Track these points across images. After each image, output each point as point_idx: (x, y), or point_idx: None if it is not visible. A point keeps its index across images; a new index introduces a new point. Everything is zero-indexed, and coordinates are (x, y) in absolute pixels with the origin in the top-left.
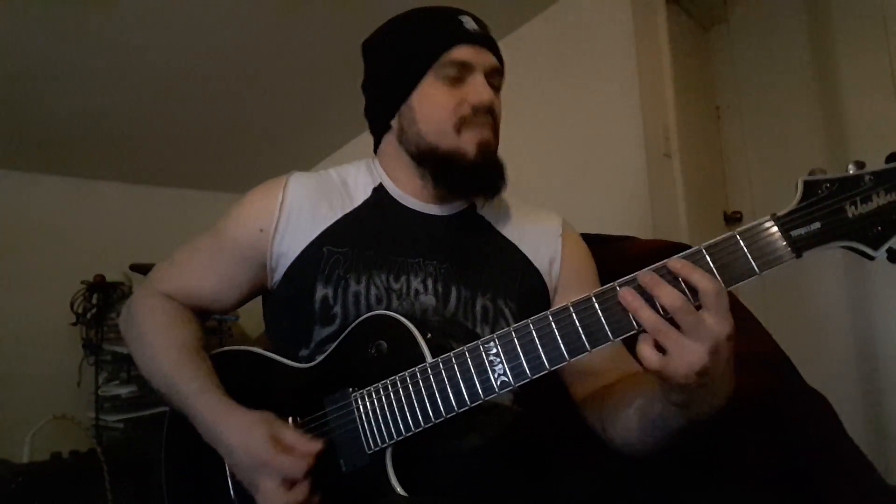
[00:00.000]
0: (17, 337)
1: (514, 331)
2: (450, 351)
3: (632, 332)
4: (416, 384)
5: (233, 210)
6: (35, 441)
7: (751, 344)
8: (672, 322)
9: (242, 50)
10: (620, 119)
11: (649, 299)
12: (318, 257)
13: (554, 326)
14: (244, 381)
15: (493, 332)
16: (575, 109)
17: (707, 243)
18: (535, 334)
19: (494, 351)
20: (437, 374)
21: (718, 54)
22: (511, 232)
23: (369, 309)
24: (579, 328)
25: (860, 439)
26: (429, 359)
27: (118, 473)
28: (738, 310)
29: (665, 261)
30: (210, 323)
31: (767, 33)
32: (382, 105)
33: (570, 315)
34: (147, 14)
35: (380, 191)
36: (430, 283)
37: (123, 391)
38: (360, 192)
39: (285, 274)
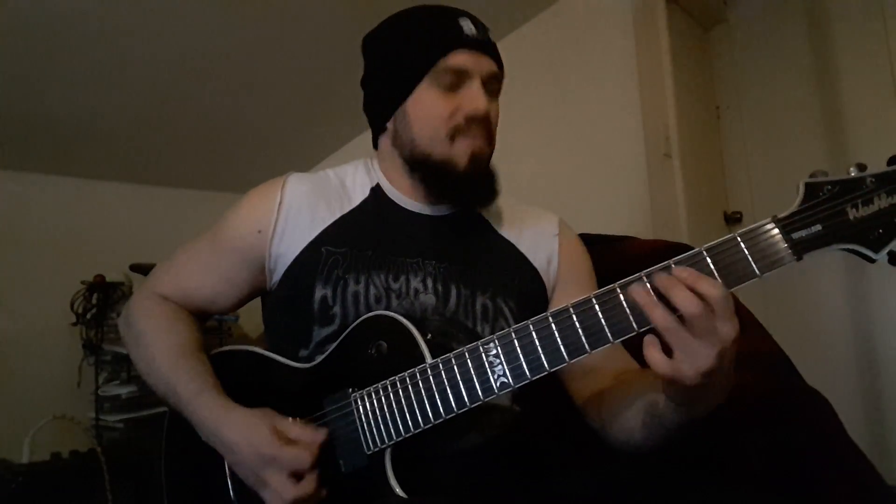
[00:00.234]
0: (17, 337)
1: (514, 332)
2: (450, 351)
3: (632, 334)
4: (415, 385)
5: (231, 211)
6: (35, 441)
7: (751, 344)
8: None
9: (242, 50)
10: (620, 119)
11: (660, 299)
12: (316, 258)
13: (554, 328)
14: (244, 381)
15: (493, 330)
16: (575, 109)
17: (708, 245)
18: (534, 335)
19: (494, 352)
20: (437, 375)
21: (718, 54)
22: (509, 231)
23: (368, 309)
24: (579, 329)
25: (860, 439)
26: (429, 359)
27: (118, 473)
28: (738, 310)
29: (665, 263)
30: (210, 323)
31: (767, 33)
32: (378, 105)
33: (571, 316)
34: (147, 14)
35: (377, 191)
36: (429, 282)
37: (123, 391)
38: (359, 193)
39: (284, 275)
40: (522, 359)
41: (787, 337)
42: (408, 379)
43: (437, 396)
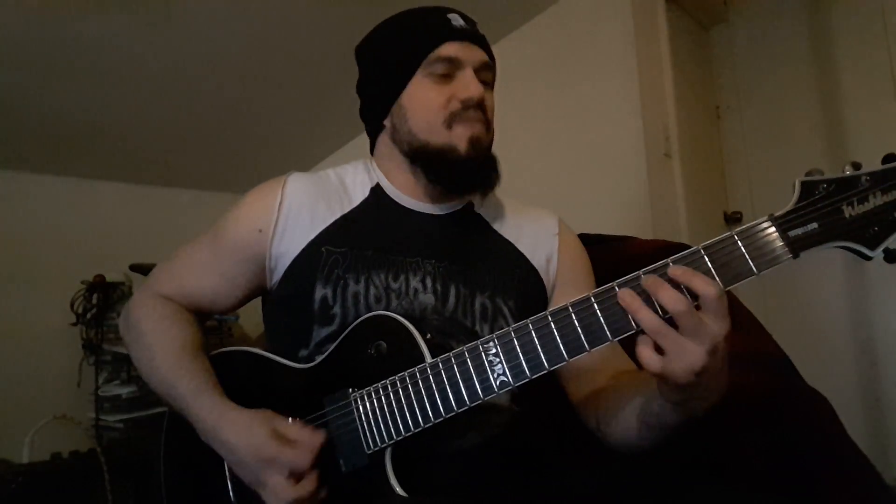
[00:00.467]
0: (17, 337)
1: (514, 331)
2: (449, 351)
3: (631, 333)
4: (415, 384)
5: (231, 211)
6: (35, 441)
7: (751, 344)
8: (670, 323)
9: (242, 50)
10: (620, 119)
11: (648, 300)
12: (316, 257)
13: (553, 327)
14: (243, 382)
15: (492, 330)
16: (575, 109)
17: (705, 244)
18: (534, 334)
19: (494, 351)
20: (437, 375)
21: (718, 54)
22: (508, 230)
23: (368, 309)
24: (578, 328)
25: (860, 439)
26: (428, 359)
27: (118, 473)
28: (737, 310)
29: (663, 262)
30: (210, 323)
31: (767, 33)
32: (375, 106)
33: (570, 315)
34: (147, 14)
35: (377, 191)
36: (428, 281)
37: (123, 391)
38: (359, 193)
39: (284, 274)
40: (522, 357)
41: (787, 337)
42: (408, 378)
43: (436, 395)
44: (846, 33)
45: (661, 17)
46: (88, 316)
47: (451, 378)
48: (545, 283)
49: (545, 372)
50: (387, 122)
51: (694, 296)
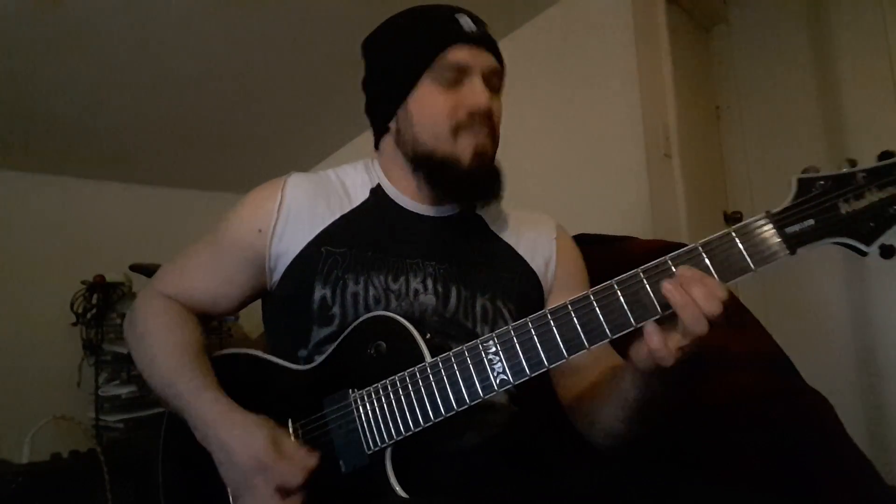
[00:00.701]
0: (17, 337)
1: (513, 329)
2: (449, 351)
3: (629, 330)
4: (415, 384)
5: (232, 211)
6: (35, 441)
7: (751, 344)
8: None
9: (242, 50)
10: (620, 119)
11: (647, 298)
12: (316, 258)
13: (553, 325)
14: (243, 384)
15: (492, 331)
16: (575, 109)
17: (703, 241)
18: (533, 333)
19: (493, 350)
20: (437, 374)
21: (718, 54)
22: (507, 234)
23: (368, 309)
24: (578, 326)
25: (860, 439)
26: (428, 359)
27: (118, 473)
28: (737, 309)
29: (662, 259)
30: (210, 323)
31: (767, 33)
32: (380, 106)
33: (569, 313)
34: (147, 14)
35: (378, 192)
36: (429, 283)
37: (123, 391)
38: (359, 193)
39: (284, 274)
40: (521, 356)
41: (787, 337)
42: (407, 378)
43: (436, 395)
44: (846, 33)
45: (661, 17)
46: (88, 316)
47: (451, 377)
48: (543, 286)
49: (545, 370)
50: (392, 125)
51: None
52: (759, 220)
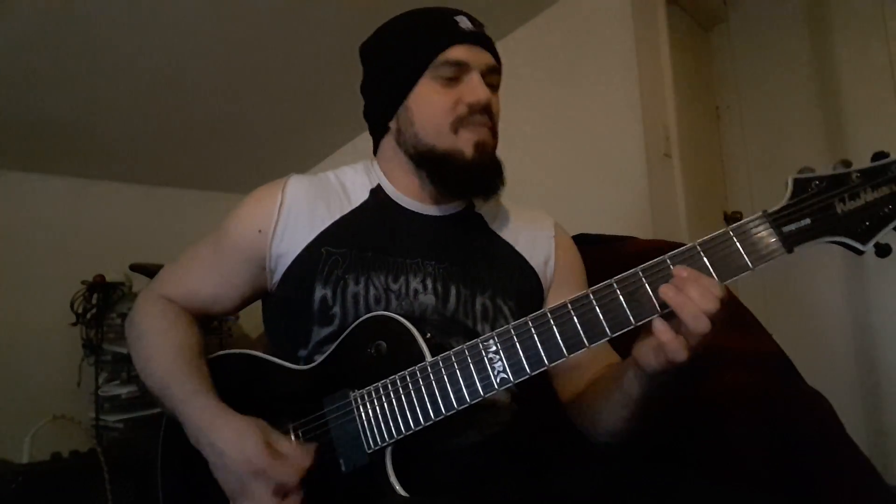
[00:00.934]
0: (17, 337)
1: (513, 328)
2: (449, 350)
3: (629, 328)
4: (415, 383)
5: (232, 212)
6: (35, 441)
7: (751, 344)
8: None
9: (242, 50)
10: (620, 119)
11: (648, 298)
12: (316, 258)
13: (553, 323)
14: (242, 385)
15: (493, 330)
16: (575, 109)
17: (701, 240)
18: (534, 331)
19: (494, 349)
20: (437, 373)
21: (718, 54)
22: (507, 232)
23: (368, 309)
24: (577, 325)
25: (860, 439)
26: (428, 358)
27: (118, 473)
28: (738, 309)
29: (660, 258)
30: (210, 324)
31: (767, 33)
32: (380, 107)
33: (569, 312)
34: (147, 14)
35: (377, 192)
36: (429, 282)
37: (123, 391)
38: (358, 194)
39: (284, 275)
40: (522, 354)
41: (787, 337)
42: (408, 377)
43: (437, 394)
44: (846, 33)
45: (661, 17)
46: (88, 316)
47: (452, 376)
48: (543, 283)
49: (545, 368)
50: (392, 125)
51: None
52: (757, 219)
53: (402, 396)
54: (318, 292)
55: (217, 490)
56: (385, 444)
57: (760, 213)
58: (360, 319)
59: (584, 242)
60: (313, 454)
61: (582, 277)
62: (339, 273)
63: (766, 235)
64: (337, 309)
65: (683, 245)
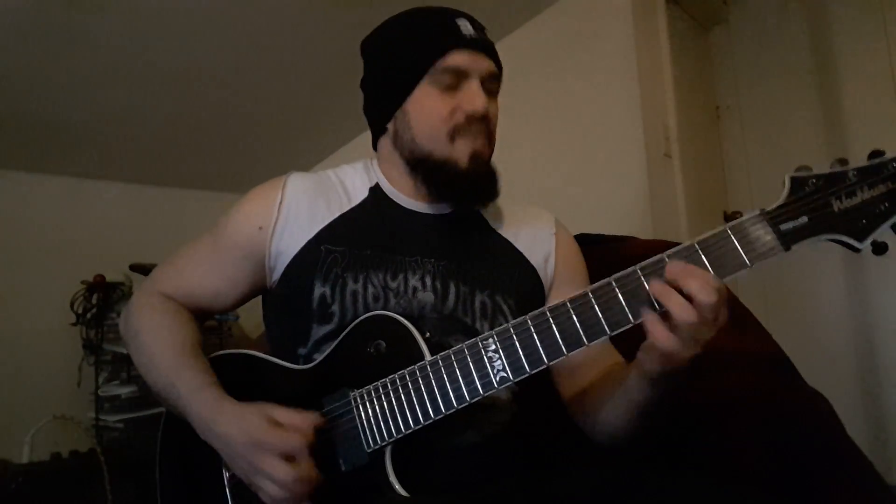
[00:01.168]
0: (17, 337)
1: (513, 327)
2: (448, 349)
3: (628, 326)
4: (415, 382)
5: (232, 210)
6: (35, 441)
7: (751, 344)
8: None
9: (242, 50)
10: (620, 119)
11: (647, 298)
12: (315, 256)
13: (552, 322)
14: (242, 384)
15: (492, 327)
16: (575, 110)
17: (699, 238)
18: (533, 330)
19: (493, 347)
20: (437, 372)
21: (718, 54)
22: (506, 230)
23: (367, 308)
24: (577, 323)
25: (860, 439)
26: (428, 357)
27: (118, 473)
28: (737, 309)
29: (658, 256)
30: (210, 323)
31: (767, 33)
32: (378, 108)
33: (568, 311)
34: (147, 14)
35: (376, 191)
36: (428, 280)
37: (123, 391)
38: (358, 192)
39: (283, 272)
40: (521, 353)
41: (787, 337)
42: (407, 376)
43: (436, 392)
44: (846, 33)
45: (661, 17)
46: (88, 316)
47: (451, 375)
48: (543, 281)
49: (544, 367)
50: (389, 126)
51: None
52: (754, 217)
53: (402, 395)
54: (318, 290)
55: (215, 487)
56: (385, 443)
57: (758, 212)
58: (360, 319)
59: (585, 242)
60: (316, 418)
61: (583, 275)
62: (338, 271)
63: (763, 234)
64: (336, 307)
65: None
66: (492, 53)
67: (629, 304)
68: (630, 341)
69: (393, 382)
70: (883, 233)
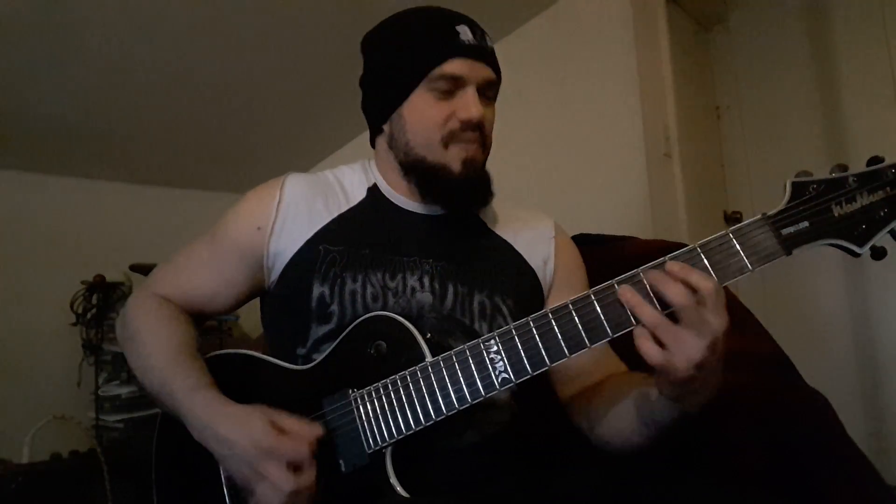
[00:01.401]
0: (17, 337)
1: (515, 328)
2: (448, 349)
3: (630, 328)
4: (416, 382)
5: (230, 211)
6: (35, 441)
7: (751, 344)
8: (670, 318)
9: (243, 51)
10: (620, 119)
11: (647, 297)
12: (314, 256)
13: (554, 324)
14: (240, 385)
15: (490, 328)
16: (575, 110)
17: (701, 242)
18: (535, 332)
19: (495, 349)
20: (438, 372)
21: (718, 54)
22: (505, 231)
23: (366, 307)
24: (579, 325)
25: (860, 439)
26: (429, 358)
27: (118, 473)
28: (737, 309)
29: (661, 259)
30: (209, 323)
31: (767, 33)
32: (375, 108)
33: (570, 312)
34: (147, 14)
35: (374, 191)
36: (426, 280)
37: (123, 391)
38: (356, 193)
39: (282, 272)
40: (523, 354)
41: (787, 337)
42: (408, 377)
43: (438, 393)
44: (846, 33)
45: (661, 17)
46: (88, 316)
47: (453, 375)
48: (542, 284)
49: (546, 368)
50: (385, 128)
51: (693, 292)
52: (756, 221)
53: (403, 396)
54: (316, 290)
55: (213, 487)
56: (385, 444)
57: (760, 216)
58: (359, 319)
59: (584, 242)
60: (320, 429)
61: (582, 278)
62: (337, 271)
63: (765, 238)
64: (335, 307)
65: (684, 245)
66: (490, 60)
67: None
68: (629, 341)
69: (394, 383)
70: (882, 238)
